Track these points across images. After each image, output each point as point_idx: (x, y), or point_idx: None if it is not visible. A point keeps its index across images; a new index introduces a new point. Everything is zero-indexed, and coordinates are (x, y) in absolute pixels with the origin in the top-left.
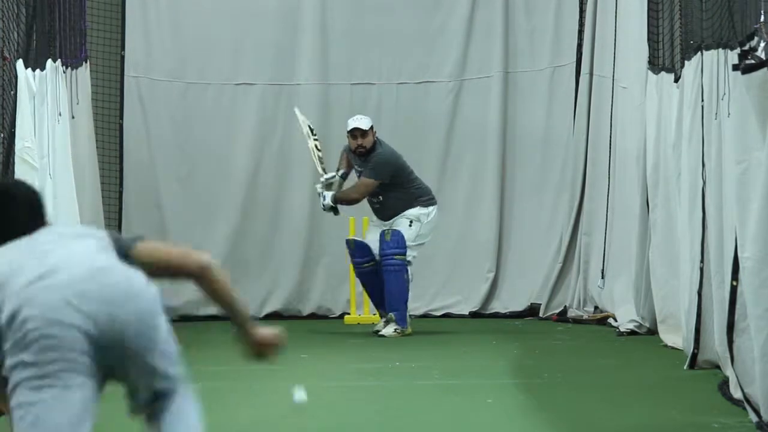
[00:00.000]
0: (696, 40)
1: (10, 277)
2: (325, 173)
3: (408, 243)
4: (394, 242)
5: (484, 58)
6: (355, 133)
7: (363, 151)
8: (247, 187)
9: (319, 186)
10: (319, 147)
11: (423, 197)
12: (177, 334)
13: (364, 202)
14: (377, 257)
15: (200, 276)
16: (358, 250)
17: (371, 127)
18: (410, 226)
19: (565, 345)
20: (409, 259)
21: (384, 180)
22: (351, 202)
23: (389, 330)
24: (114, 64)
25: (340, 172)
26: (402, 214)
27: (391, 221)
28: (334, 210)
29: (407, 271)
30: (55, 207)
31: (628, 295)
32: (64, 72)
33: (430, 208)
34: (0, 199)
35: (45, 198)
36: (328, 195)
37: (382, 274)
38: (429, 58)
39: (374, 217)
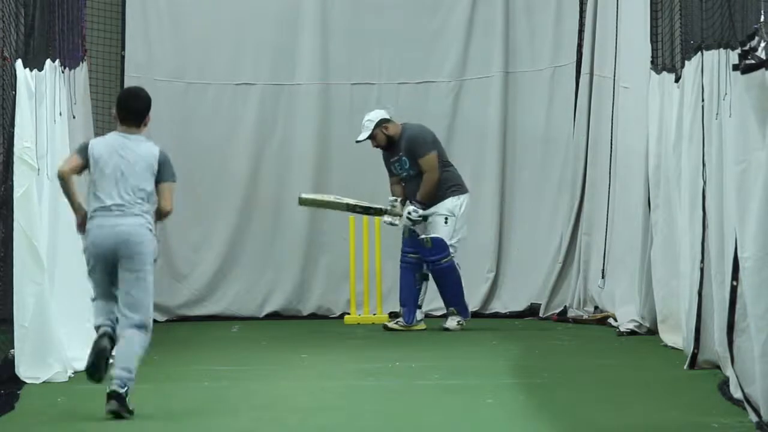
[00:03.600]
0: (696, 40)
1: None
2: (381, 206)
3: (448, 242)
4: (436, 249)
5: (484, 58)
6: (370, 141)
7: (384, 146)
8: (247, 187)
9: (387, 218)
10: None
11: (453, 185)
12: (177, 334)
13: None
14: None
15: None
16: (409, 240)
17: (378, 124)
18: (446, 223)
19: (565, 345)
20: (452, 253)
21: (434, 149)
22: (434, 187)
23: (452, 323)
24: (114, 64)
25: (394, 199)
26: (435, 211)
27: (431, 217)
28: (424, 217)
29: (454, 265)
30: (54, 208)
31: (628, 295)
32: (62, 72)
33: (462, 197)
34: (130, 95)
35: (46, 199)
36: (417, 209)
37: (435, 279)
38: (429, 58)
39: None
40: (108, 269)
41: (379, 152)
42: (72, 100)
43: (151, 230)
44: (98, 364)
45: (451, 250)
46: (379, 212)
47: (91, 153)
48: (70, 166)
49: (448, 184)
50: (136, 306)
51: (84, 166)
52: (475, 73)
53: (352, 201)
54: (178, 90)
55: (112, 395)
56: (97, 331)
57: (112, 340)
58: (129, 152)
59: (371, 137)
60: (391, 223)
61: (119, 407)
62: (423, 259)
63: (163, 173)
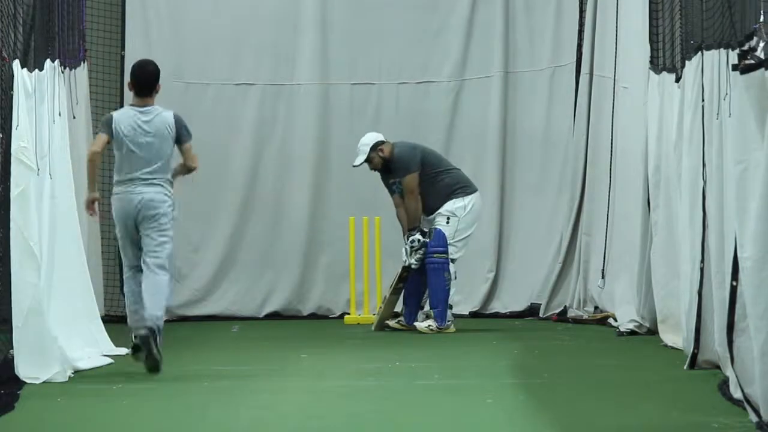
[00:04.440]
0: (696, 40)
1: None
2: (408, 256)
3: (449, 241)
4: (436, 241)
5: (484, 58)
6: (367, 164)
7: (381, 169)
8: (247, 187)
9: (414, 262)
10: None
11: (457, 188)
12: (177, 334)
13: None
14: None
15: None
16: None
17: (373, 148)
18: (447, 223)
19: (565, 345)
20: (452, 257)
21: (415, 169)
22: (416, 210)
23: (423, 325)
24: (114, 64)
25: (412, 234)
26: (438, 212)
27: (432, 217)
28: (424, 235)
29: (448, 269)
30: (54, 207)
31: (628, 295)
32: (62, 72)
33: (468, 198)
34: (142, 67)
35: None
36: (414, 238)
37: (426, 271)
38: (429, 58)
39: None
40: (132, 234)
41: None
42: (74, 100)
43: (168, 195)
44: (156, 366)
45: (451, 249)
46: (407, 269)
47: (115, 128)
48: (101, 147)
49: (451, 189)
50: (160, 250)
51: (109, 140)
52: (475, 73)
53: (389, 291)
54: (178, 90)
55: (150, 331)
56: (136, 330)
57: (155, 335)
58: (149, 125)
59: (368, 161)
60: (411, 264)
61: (154, 343)
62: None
63: (181, 136)
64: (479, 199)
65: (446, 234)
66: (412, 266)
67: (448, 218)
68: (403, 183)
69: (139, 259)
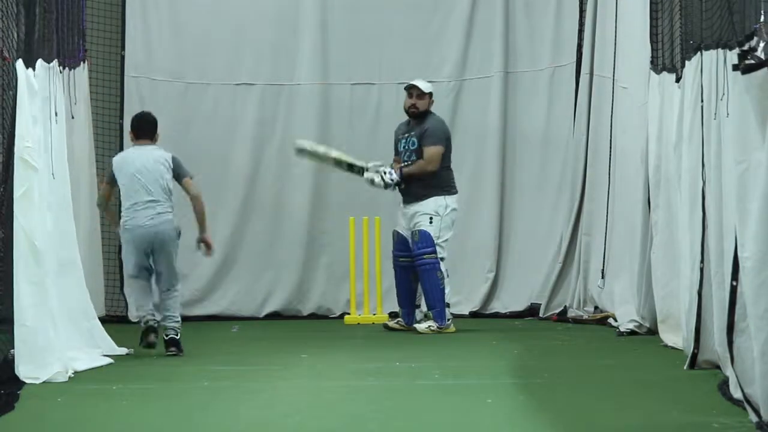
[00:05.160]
0: (696, 40)
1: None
2: (363, 165)
3: (435, 241)
4: (423, 242)
5: (484, 58)
6: (412, 91)
7: (415, 111)
8: (247, 187)
9: (368, 175)
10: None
11: (445, 185)
12: None
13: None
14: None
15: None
16: (398, 243)
17: (431, 95)
18: (431, 223)
19: (565, 345)
20: (441, 256)
21: (443, 145)
22: (426, 175)
23: (423, 326)
24: (114, 64)
25: (380, 163)
26: (419, 210)
27: (410, 209)
28: (399, 185)
29: (440, 268)
30: (54, 207)
31: (628, 295)
32: (61, 72)
33: (449, 199)
34: (141, 117)
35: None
36: (394, 172)
37: (417, 274)
38: (429, 58)
39: (402, 203)
40: (143, 253)
41: (381, 145)
42: (72, 100)
43: (171, 221)
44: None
45: (438, 249)
46: (361, 171)
47: (116, 171)
48: (105, 195)
49: (441, 184)
50: (170, 277)
51: (113, 186)
52: (475, 73)
53: (340, 156)
54: (178, 90)
55: (171, 342)
56: (142, 319)
57: (156, 331)
58: (145, 158)
59: (422, 96)
60: (372, 180)
61: (177, 350)
62: (414, 259)
63: (179, 171)
64: (457, 203)
65: (431, 234)
66: (372, 182)
67: (431, 218)
68: (427, 151)
69: (149, 265)
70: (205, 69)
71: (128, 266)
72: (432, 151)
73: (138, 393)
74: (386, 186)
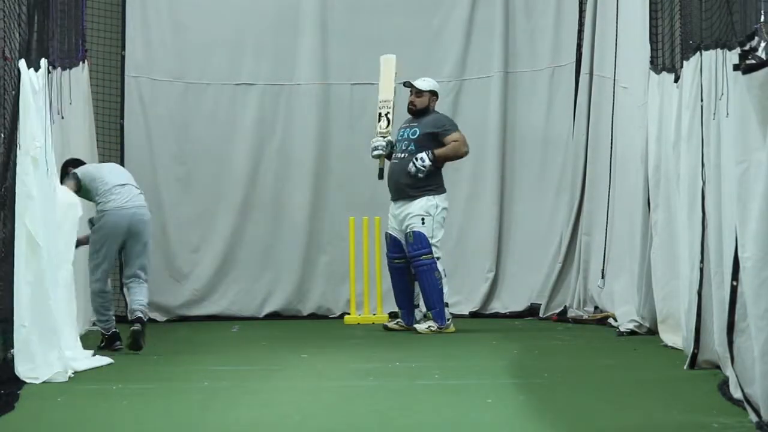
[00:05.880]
0: (695, 40)
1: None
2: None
3: (430, 241)
4: (417, 243)
5: (484, 58)
6: (410, 89)
7: (413, 109)
8: (247, 187)
9: (377, 140)
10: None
11: (435, 185)
12: (177, 334)
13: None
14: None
15: None
16: (391, 245)
17: (431, 92)
18: (423, 223)
19: (565, 345)
20: (437, 255)
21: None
22: (456, 155)
23: (423, 327)
24: (114, 64)
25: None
26: (410, 212)
27: (401, 210)
28: (423, 172)
29: (437, 268)
30: (54, 207)
31: (628, 295)
32: (49, 72)
33: (438, 198)
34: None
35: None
36: (426, 157)
37: (414, 275)
38: (429, 58)
39: (391, 203)
40: (118, 246)
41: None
42: (67, 100)
43: (147, 206)
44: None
45: (433, 249)
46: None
47: (82, 179)
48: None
49: (430, 184)
50: (146, 267)
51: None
52: (475, 73)
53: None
54: (178, 90)
55: (138, 321)
56: (109, 330)
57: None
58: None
59: (421, 93)
60: (376, 148)
61: (141, 328)
62: (409, 260)
63: None
64: (446, 201)
65: (425, 234)
66: (376, 149)
67: (423, 218)
68: (453, 136)
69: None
70: (205, 69)
71: (97, 273)
72: (458, 135)
73: (138, 393)
74: (417, 171)
